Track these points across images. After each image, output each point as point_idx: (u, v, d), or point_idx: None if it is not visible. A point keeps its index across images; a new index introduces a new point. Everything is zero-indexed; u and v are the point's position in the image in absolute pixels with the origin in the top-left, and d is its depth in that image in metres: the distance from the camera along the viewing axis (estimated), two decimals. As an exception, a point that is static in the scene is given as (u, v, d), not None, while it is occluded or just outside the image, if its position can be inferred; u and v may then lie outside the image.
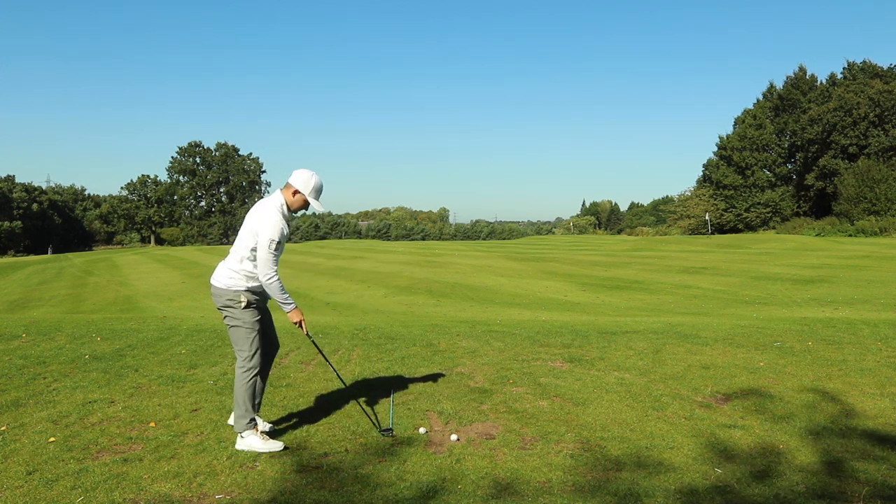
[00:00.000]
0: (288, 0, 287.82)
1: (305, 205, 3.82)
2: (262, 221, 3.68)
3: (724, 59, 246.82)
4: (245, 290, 3.76)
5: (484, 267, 25.39)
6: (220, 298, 3.78)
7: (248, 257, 3.72)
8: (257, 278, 3.73)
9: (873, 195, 45.71)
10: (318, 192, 3.83)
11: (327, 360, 4.30)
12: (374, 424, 4.05)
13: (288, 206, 3.80)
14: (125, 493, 3.13)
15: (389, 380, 5.28)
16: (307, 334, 3.93)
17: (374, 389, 4.97)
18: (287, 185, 3.82)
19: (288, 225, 3.79)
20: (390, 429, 3.95)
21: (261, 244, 3.64)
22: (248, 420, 3.72)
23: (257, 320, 3.81)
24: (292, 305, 3.76)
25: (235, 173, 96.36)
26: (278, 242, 3.67)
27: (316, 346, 4.30)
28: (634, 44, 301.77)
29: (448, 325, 8.56)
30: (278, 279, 3.68)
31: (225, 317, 3.82)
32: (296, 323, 3.81)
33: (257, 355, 3.79)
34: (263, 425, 3.98)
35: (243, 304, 3.73)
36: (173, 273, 27.56)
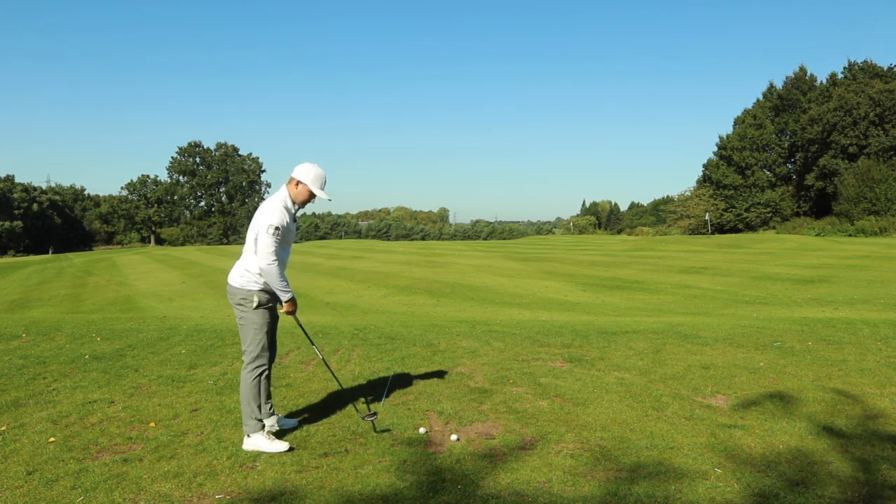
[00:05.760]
0: None
1: (310, 196, 3.84)
2: (264, 212, 3.73)
3: (724, 59, 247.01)
4: (258, 290, 3.78)
5: (484, 267, 25.39)
6: (233, 296, 3.83)
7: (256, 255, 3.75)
8: None
9: (873, 195, 45.71)
10: (320, 181, 3.83)
11: (324, 360, 4.33)
12: (366, 405, 4.17)
13: (293, 199, 3.82)
14: (125, 493, 3.13)
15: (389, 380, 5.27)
16: (298, 324, 4.26)
17: (374, 389, 4.97)
18: (290, 179, 3.85)
19: (293, 220, 3.85)
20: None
21: (261, 231, 3.66)
22: (255, 420, 3.75)
23: (266, 322, 3.84)
24: (290, 294, 3.78)
25: (235, 173, 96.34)
26: (277, 228, 3.66)
27: (307, 336, 4.48)
28: (634, 44, 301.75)
29: (448, 325, 8.56)
30: (277, 265, 3.67)
31: (237, 314, 3.87)
32: (288, 313, 3.82)
33: (262, 356, 3.82)
34: (282, 421, 4.04)
35: (255, 304, 3.77)
36: (173, 273, 27.56)
